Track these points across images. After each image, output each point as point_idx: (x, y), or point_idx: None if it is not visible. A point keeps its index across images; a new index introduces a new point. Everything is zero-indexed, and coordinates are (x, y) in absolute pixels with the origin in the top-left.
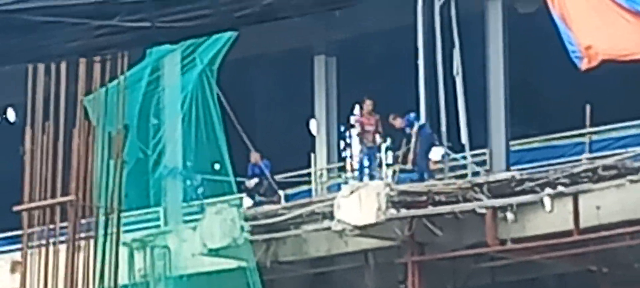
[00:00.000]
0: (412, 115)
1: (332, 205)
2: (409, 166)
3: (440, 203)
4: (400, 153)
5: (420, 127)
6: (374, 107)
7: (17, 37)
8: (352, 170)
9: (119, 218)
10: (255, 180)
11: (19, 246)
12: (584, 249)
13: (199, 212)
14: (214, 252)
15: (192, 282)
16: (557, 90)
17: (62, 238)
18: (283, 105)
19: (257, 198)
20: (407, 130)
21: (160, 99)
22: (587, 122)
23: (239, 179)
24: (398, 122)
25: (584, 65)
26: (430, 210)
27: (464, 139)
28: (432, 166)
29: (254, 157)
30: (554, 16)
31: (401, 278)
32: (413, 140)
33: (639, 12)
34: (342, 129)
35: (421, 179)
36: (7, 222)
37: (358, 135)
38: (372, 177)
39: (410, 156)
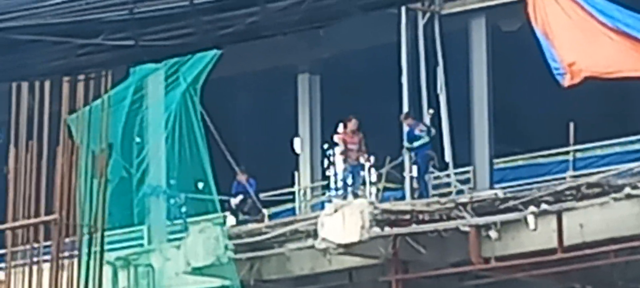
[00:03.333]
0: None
1: (315, 224)
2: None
3: (424, 221)
4: (384, 171)
5: (420, 147)
6: (358, 126)
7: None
8: (336, 189)
9: (102, 237)
10: (240, 197)
11: (2, 265)
12: (568, 267)
13: (183, 230)
14: (198, 271)
15: None
16: (541, 108)
17: (46, 257)
18: (266, 123)
19: (241, 216)
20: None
21: (143, 117)
22: (571, 140)
23: (222, 198)
24: (409, 121)
25: (566, 81)
26: (414, 228)
27: (448, 157)
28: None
29: (241, 176)
30: (537, 33)
31: None
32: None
33: (622, 31)
34: (326, 147)
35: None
36: None
37: (341, 153)
38: (355, 196)
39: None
